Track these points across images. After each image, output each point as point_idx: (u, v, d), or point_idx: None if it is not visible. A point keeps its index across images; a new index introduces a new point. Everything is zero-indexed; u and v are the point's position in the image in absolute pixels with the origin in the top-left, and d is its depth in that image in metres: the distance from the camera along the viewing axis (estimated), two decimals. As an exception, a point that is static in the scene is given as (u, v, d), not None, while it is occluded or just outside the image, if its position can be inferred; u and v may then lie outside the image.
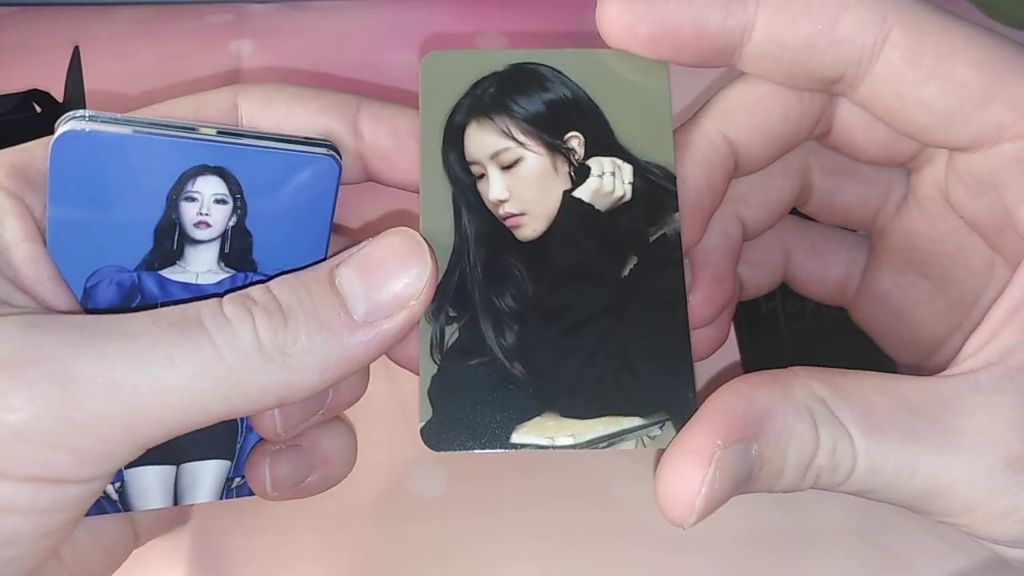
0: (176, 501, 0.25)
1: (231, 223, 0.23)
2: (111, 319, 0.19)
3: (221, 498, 0.26)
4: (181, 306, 0.20)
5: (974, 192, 0.24)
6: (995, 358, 0.20)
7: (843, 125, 0.25)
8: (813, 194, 0.28)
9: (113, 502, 0.25)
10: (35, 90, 0.38)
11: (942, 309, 0.27)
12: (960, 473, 0.20)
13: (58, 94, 0.39)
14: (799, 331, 0.37)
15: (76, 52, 0.38)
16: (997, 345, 0.21)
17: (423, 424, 0.22)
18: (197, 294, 0.23)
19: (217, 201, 0.23)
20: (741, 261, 0.28)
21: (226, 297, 0.20)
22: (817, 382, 0.21)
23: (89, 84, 0.38)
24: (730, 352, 0.37)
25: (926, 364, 0.29)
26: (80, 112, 0.21)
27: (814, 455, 0.20)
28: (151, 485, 0.25)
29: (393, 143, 0.24)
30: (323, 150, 0.23)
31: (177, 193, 0.22)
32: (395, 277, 0.21)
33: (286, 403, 0.21)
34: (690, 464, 0.20)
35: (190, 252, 0.23)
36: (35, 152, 0.22)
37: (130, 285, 0.23)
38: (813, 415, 0.20)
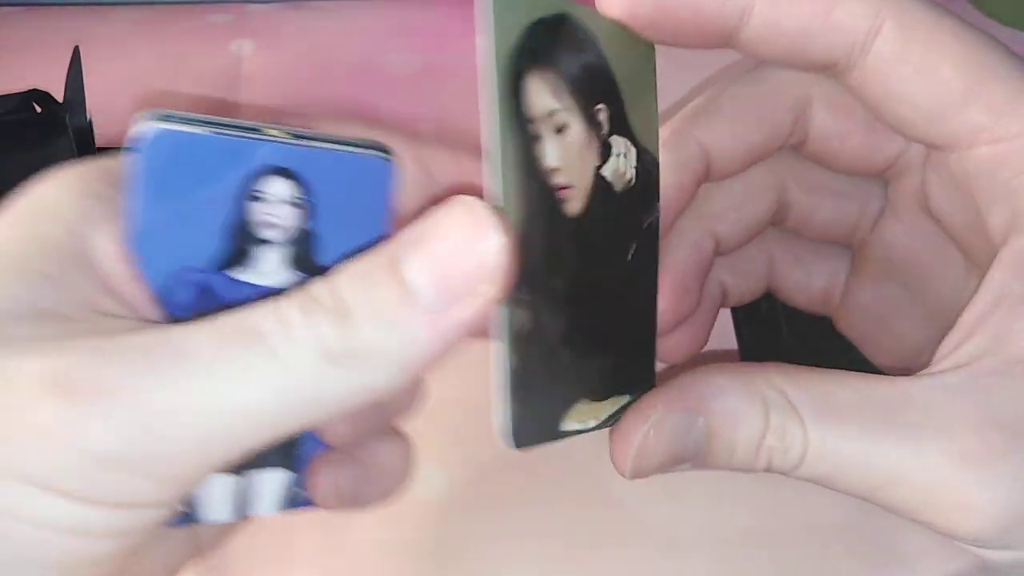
0: (241, 514, 0.24)
1: (298, 225, 0.23)
2: (172, 337, 0.19)
3: (283, 510, 0.25)
4: (239, 315, 0.19)
5: (950, 196, 0.24)
6: (964, 361, 0.21)
7: (818, 134, 0.26)
8: (791, 212, 0.28)
9: (179, 514, 0.24)
10: (35, 90, 0.38)
11: (922, 319, 0.27)
12: (912, 463, 0.20)
13: (58, 94, 0.39)
14: (799, 329, 0.37)
15: (76, 52, 0.38)
16: (968, 348, 0.21)
17: (504, 422, 0.20)
18: (269, 297, 0.23)
19: (285, 202, 0.22)
20: (725, 270, 0.29)
21: (285, 299, 0.19)
22: (779, 374, 0.22)
23: (89, 84, 0.38)
24: (729, 352, 0.37)
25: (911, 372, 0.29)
26: (155, 111, 0.21)
27: (763, 436, 0.21)
28: (216, 496, 0.24)
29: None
30: (383, 154, 0.23)
31: (246, 194, 0.22)
32: (464, 258, 0.18)
33: (364, 406, 0.19)
34: (629, 422, 0.22)
35: (258, 254, 0.23)
36: (119, 159, 0.22)
37: (203, 287, 0.23)
38: (765, 400, 0.21)
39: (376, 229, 0.24)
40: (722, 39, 0.23)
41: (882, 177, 0.27)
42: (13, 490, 0.18)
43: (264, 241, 0.23)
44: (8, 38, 0.46)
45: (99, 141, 0.38)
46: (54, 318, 0.20)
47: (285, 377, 0.18)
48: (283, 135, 0.22)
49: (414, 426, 0.28)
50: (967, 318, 0.22)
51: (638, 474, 0.22)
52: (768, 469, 0.22)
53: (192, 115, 0.22)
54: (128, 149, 0.21)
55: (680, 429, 0.22)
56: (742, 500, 0.27)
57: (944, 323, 0.27)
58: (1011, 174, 0.22)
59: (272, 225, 0.23)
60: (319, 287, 0.19)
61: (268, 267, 0.23)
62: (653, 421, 0.22)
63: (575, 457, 0.34)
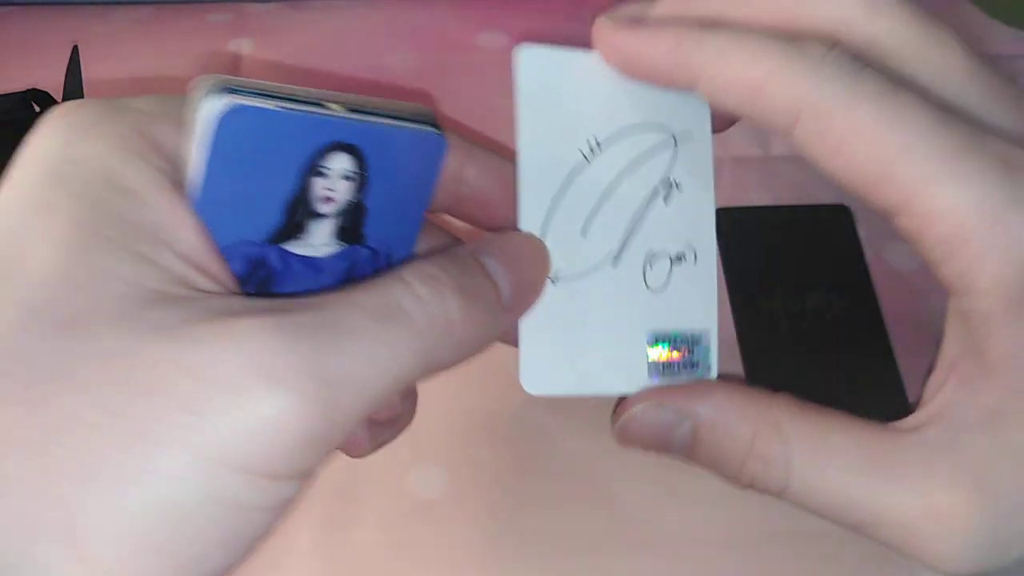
0: None
1: (351, 199, 0.23)
2: (327, 316, 0.20)
3: None
4: (371, 290, 0.20)
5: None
6: (944, 408, 0.23)
7: None
8: None
9: None
10: (34, 89, 0.38)
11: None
12: (893, 512, 0.22)
13: (57, 94, 0.39)
14: (799, 331, 0.37)
15: (75, 52, 0.38)
16: (945, 395, 0.23)
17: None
18: (315, 268, 0.23)
19: (345, 177, 0.23)
20: None
21: (409, 277, 0.21)
22: (779, 406, 0.24)
23: (88, 83, 0.38)
24: (731, 352, 0.37)
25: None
26: (216, 80, 0.21)
27: (745, 458, 0.23)
28: None
29: (500, 192, 0.26)
30: (432, 129, 0.23)
31: (310, 168, 0.22)
32: (531, 271, 0.24)
33: (427, 379, 0.22)
34: (630, 400, 0.25)
35: (312, 226, 0.23)
36: (156, 122, 0.21)
37: (255, 258, 0.22)
38: (755, 426, 0.23)
39: (418, 202, 0.24)
40: (686, 86, 0.24)
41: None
42: (229, 479, 0.18)
43: (319, 215, 0.23)
44: (8, 38, 0.46)
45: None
46: (167, 300, 0.19)
47: (424, 344, 0.20)
48: (344, 109, 0.22)
49: (415, 426, 0.28)
50: (944, 359, 0.23)
51: (622, 439, 0.25)
52: (751, 488, 0.24)
53: (254, 84, 0.21)
54: (191, 117, 0.21)
55: (667, 424, 0.25)
56: (746, 503, 0.27)
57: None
58: (930, 245, 0.22)
59: (330, 200, 0.23)
60: (431, 267, 0.22)
61: (318, 239, 0.23)
62: (643, 407, 0.25)
63: (575, 458, 0.34)
